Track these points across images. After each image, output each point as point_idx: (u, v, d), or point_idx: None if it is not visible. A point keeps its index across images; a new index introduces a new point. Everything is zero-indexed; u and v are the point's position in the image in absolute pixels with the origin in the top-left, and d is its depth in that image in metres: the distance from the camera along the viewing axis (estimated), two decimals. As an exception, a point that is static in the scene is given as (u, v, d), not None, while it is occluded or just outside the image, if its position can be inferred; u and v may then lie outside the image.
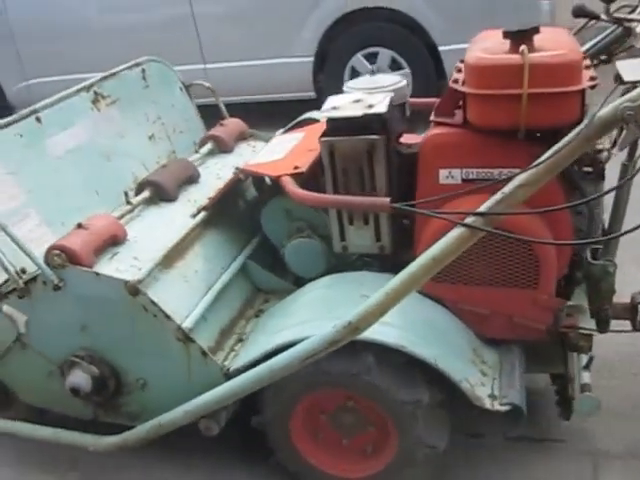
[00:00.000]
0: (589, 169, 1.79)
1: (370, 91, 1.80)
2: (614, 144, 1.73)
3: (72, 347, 1.77)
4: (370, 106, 1.69)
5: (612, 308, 1.82)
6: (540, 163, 1.30)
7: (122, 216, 1.94)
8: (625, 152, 1.71)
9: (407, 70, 4.45)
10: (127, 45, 4.64)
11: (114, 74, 2.32)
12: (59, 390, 1.78)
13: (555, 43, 1.57)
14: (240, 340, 1.85)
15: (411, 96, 1.98)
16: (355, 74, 4.57)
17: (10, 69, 5.21)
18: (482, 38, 1.78)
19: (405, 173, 1.76)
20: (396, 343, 1.56)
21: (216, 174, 2.24)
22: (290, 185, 1.75)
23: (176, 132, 2.48)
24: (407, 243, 1.80)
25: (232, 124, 2.55)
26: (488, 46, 1.63)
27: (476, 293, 1.71)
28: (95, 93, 2.21)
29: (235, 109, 2.94)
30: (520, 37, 1.55)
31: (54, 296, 1.68)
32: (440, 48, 4.31)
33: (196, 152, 2.41)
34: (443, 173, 1.67)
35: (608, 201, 1.79)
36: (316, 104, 2.43)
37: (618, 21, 1.85)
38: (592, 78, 1.52)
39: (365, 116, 1.66)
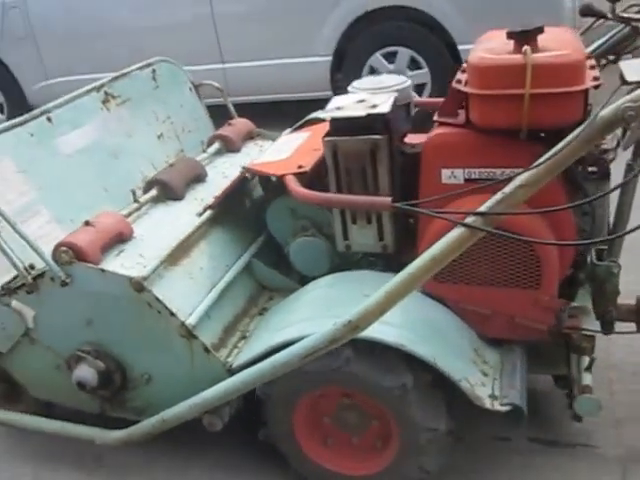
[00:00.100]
0: (593, 169, 1.79)
1: (374, 91, 1.81)
2: (619, 144, 1.73)
3: (79, 342, 1.80)
4: (373, 106, 1.70)
5: (617, 310, 1.82)
6: (541, 163, 1.30)
7: (129, 214, 1.97)
8: (630, 152, 1.71)
9: (426, 70, 4.44)
10: (146, 45, 4.68)
11: (125, 74, 2.35)
12: (66, 384, 1.81)
13: (559, 43, 1.57)
14: (243, 337, 1.87)
15: (429, 96, 1.99)
16: (373, 73, 4.54)
17: (30, 69, 5.27)
18: (487, 38, 1.78)
19: (409, 173, 1.77)
20: (395, 342, 1.57)
21: (223, 173, 2.27)
22: (293, 184, 1.77)
23: (185, 131, 2.51)
24: (411, 243, 1.81)
25: (240, 124, 2.57)
26: (492, 46, 1.64)
27: (478, 293, 1.71)
28: (105, 93, 2.24)
29: (245, 109, 2.97)
30: (524, 37, 1.55)
31: (61, 292, 1.71)
32: (460, 47, 4.27)
33: (204, 151, 2.44)
34: (446, 173, 1.68)
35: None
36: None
37: (625, 21, 1.85)
38: (595, 78, 1.52)
39: (368, 116, 1.67)
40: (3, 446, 2.20)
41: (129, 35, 4.90)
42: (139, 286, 1.66)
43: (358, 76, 4.49)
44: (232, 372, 1.70)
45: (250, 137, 2.58)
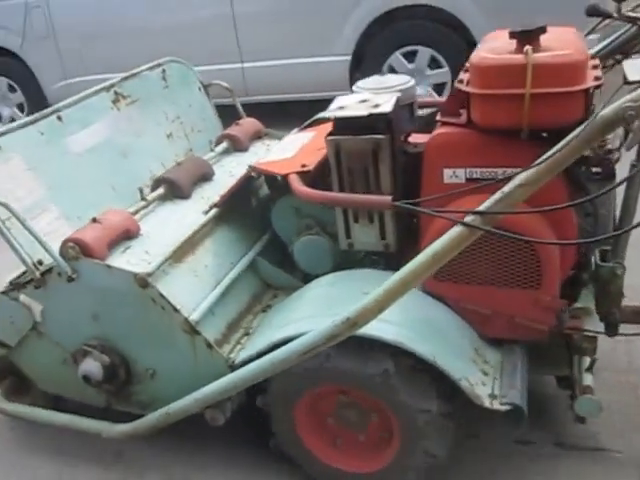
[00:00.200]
0: (598, 170, 1.79)
1: (377, 91, 1.82)
2: (622, 144, 1.72)
3: (85, 336, 1.83)
4: (376, 106, 1.72)
5: (621, 311, 1.81)
6: (541, 162, 1.31)
7: (136, 212, 2.00)
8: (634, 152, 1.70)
9: (446, 69, 4.44)
10: (165, 45, 4.70)
11: (135, 74, 2.39)
12: (73, 378, 1.84)
13: (561, 43, 1.57)
14: (247, 334, 1.89)
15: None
16: (393, 73, 4.55)
17: (50, 68, 5.36)
18: (492, 38, 1.79)
19: (412, 172, 1.78)
20: (394, 340, 1.58)
21: (230, 172, 2.29)
22: (296, 183, 1.79)
23: (194, 131, 2.54)
24: (413, 242, 1.82)
25: (248, 124, 2.60)
26: (495, 46, 1.64)
27: (478, 292, 1.71)
28: (115, 93, 2.28)
29: (253, 109, 3.00)
30: (526, 37, 1.56)
31: (68, 287, 1.75)
32: None
33: (211, 151, 2.47)
34: (447, 172, 1.69)
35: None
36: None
37: (632, 20, 1.84)
38: (597, 78, 1.52)
39: (370, 116, 1.68)
40: (24, 441, 2.23)
41: (148, 35, 4.96)
42: (143, 282, 1.69)
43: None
44: (234, 368, 1.72)
45: (258, 137, 2.61)
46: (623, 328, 1.83)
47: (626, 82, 1.45)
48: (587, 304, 1.79)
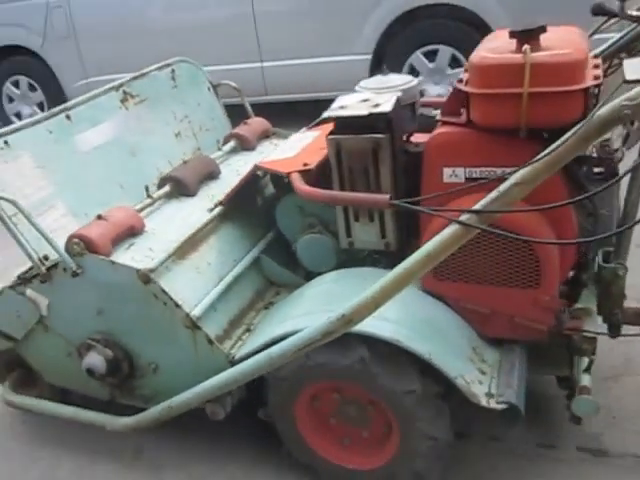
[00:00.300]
0: (600, 169, 1.78)
1: (379, 91, 1.83)
2: (624, 143, 1.72)
3: (89, 330, 1.86)
4: (376, 105, 1.73)
5: (623, 313, 1.80)
6: (537, 161, 1.31)
7: (142, 209, 2.04)
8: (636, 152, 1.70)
9: None
10: (185, 44, 4.81)
11: (144, 74, 2.42)
12: (78, 371, 1.88)
13: (562, 42, 1.57)
14: (248, 330, 1.92)
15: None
16: (413, 72, 4.58)
17: (71, 67, 5.44)
18: (493, 37, 1.79)
19: (412, 171, 1.79)
20: (391, 337, 1.59)
21: (236, 171, 2.31)
22: (297, 181, 1.81)
23: (202, 130, 2.57)
24: (414, 240, 1.83)
25: (256, 123, 2.62)
26: (495, 46, 1.64)
27: (477, 292, 1.72)
28: (124, 92, 2.32)
29: (262, 108, 3.03)
30: (526, 36, 1.56)
31: (73, 282, 1.78)
32: None
33: (219, 149, 2.49)
34: (447, 172, 1.69)
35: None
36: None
37: (637, 20, 1.83)
38: (596, 77, 1.52)
39: (370, 115, 1.70)
40: (37, 435, 2.26)
41: (168, 35, 5.01)
42: (146, 278, 1.72)
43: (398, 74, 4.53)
44: (234, 363, 1.74)
45: (266, 136, 2.64)
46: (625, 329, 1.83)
47: (625, 81, 1.44)
48: (588, 304, 1.78)
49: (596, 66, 1.60)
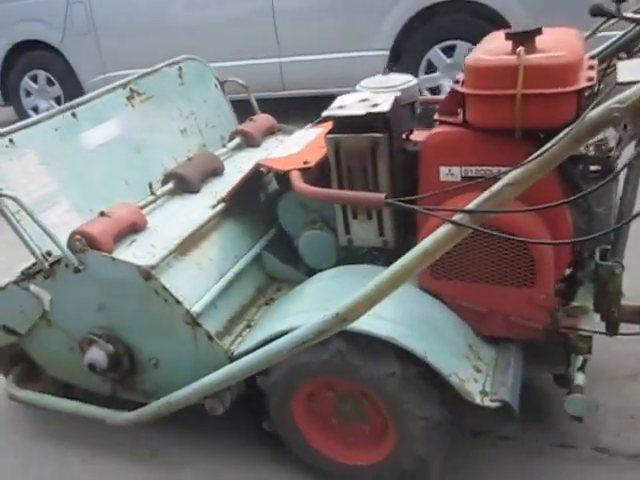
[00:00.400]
0: (597, 168, 1.78)
1: (378, 90, 1.85)
2: (620, 142, 1.72)
3: (91, 325, 1.90)
4: (374, 105, 1.74)
5: (621, 310, 1.81)
6: (529, 161, 1.32)
7: (145, 206, 2.06)
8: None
9: None
10: (204, 40, 4.88)
11: (151, 72, 2.45)
12: (80, 365, 1.91)
13: (557, 44, 1.57)
14: (248, 326, 1.94)
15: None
16: (431, 67, 4.63)
17: (90, 62, 5.54)
18: (491, 38, 1.80)
19: (411, 170, 1.80)
20: (387, 335, 1.60)
21: (240, 168, 2.33)
22: (296, 179, 1.83)
23: (208, 126, 2.59)
24: (413, 238, 1.84)
25: (261, 120, 2.64)
26: (491, 47, 1.65)
27: (473, 290, 1.73)
28: (131, 90, 2.34)
29: (269, 104, 3.03)
30: (521, 38, 1.56)
31: (75, 278, 1.81)
32: None
33: (224, 146, 2.52)
34: (443, 170, 1.71)
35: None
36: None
37: (634, 21, 1.83)
38: (589, 79, 1.52)
39: (368, 115, 1.71)
40: (47, 430, 2.27)
41: (187, 30, 5.07)
42: (147, 274, 1.75)
43: (415, 70, 4.58)
44: (233, 359, 1.76)
45: (271, 132, 2.65)
46: (626, 329, 1.83)
47: (617, 83, 1.45)
48: (584, 303, 1.78)
49: (591, 67, 1.60)
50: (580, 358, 1.75)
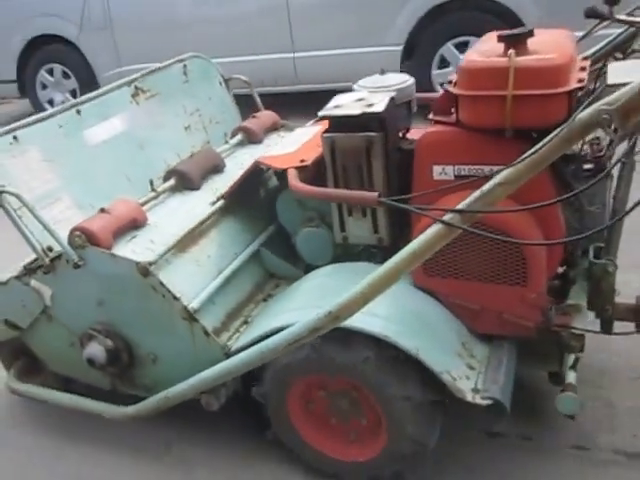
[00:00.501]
0: (590, 167, 1.78)
1: (374, 90, 1.86)
2: (612, 141, 1.72)
3: (90, 321, 1.93)
4: (370, 105, 1.76)
5: (615, 309, 1.81)
6: (520, 161, 1.33)
7: (146, 202, 2.09)
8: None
9: None
10: (218, 35, 4.92)
11: (156, 70, 2.48)
12: (80, 360, 1.94)
13: (549, 46, 1.59)
14: (246, 322, 1.97)
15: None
16: (444, 63, 4.67)
17: (105, 56, 5.64)
18: (486, 39, 1.81)
19: (405, 168, 1.82)
20: (380, 333, 1.62)
21: (241, 164, 2.35)
22: (292, 177, 1.85)
23: (212, 123, 2.62)
24: (407, 235, 1.85)
25: (264, 116, 2.66)
26: (484, 49, 1.67)
27: (466, 288, 1.74)
28: (136, 87, 2.37)
29: (272, 100, 3.04)
30: (513, 41, 1.58)
31: (75, 273, 1.84)
32: None
33: (226, 143, 2.54)
34: (437, 169, 1.72)
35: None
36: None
37: (627, 23, 1.83)
38: (580, 80, 1.53)
39: (363, 114, 1.73)
40: (48, 424, 2.30)
41: (202, 26, 5.12)
42: (145, 270, 1.78)
43: (428, 66, 4.66)
44: (229, 355, 1.79)
45: (274, 129, 2.67)
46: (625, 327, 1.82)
47: (607, 85, 1.45)
48: (578, 301, 1.79)
49: (582, 69, 1.60)
50: (572, 356, 1.76)
